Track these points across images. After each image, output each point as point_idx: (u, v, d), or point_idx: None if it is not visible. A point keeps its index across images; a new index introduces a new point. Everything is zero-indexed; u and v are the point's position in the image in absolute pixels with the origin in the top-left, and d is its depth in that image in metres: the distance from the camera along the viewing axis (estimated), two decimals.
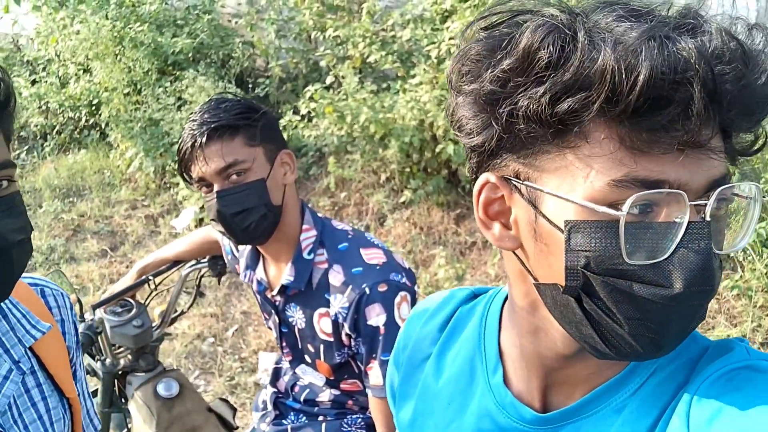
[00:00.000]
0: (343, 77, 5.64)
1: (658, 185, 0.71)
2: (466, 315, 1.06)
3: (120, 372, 2.54)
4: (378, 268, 1.82)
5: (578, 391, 0.88)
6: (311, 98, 5.51)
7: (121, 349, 2.47)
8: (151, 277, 2.38)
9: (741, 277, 3.94)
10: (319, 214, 1.95)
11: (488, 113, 0.78)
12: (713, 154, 0.72)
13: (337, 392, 2.00)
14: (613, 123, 0.71)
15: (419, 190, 5.32)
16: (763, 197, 0.86)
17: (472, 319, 1.04)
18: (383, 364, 1.79)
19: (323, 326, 1.87)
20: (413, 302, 1.84)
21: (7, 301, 1.19)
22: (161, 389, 2.48)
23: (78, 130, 7.13)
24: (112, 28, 6.42)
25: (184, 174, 1.82)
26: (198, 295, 2.61)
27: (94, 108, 6.75)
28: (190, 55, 6.57)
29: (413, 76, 5.33)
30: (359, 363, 1.88)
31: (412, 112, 5.07)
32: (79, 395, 1.34)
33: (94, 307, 2.35)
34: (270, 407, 2.11)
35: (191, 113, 1.84)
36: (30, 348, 1.21)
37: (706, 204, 0.72)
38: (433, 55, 5.14)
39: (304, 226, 1.88)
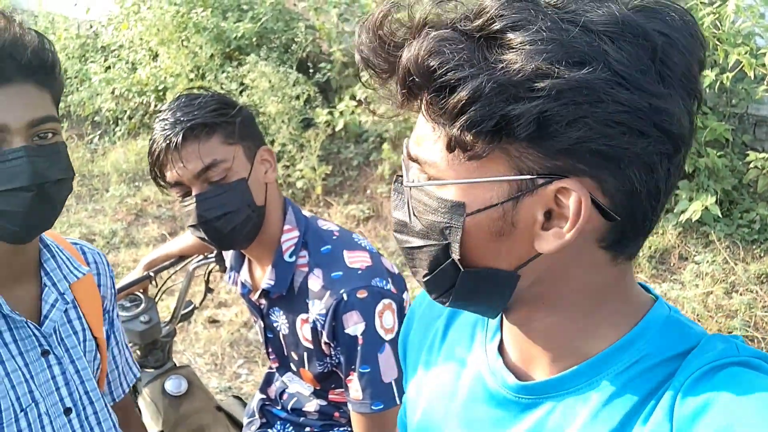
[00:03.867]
0: None
1: None
2: None
3: None
4: (360, 272, 1.68)
5: (561, 363, 0.88)
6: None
7: (129, 344, 2.42)
8: (152, 274, 2.32)
9: None
10: (305, 213, 1.83)
11: None
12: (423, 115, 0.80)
13: (324, 403, 1.88)
14: None
15: None
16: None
17: None
18: (362, 377, 1.66)
19: (305, 333, 1.75)
20: (400, 310, 1.70)
21: (55, 244, 1.45)
22: (169, 386, 2.43)
23: (148, 115, 7.22)
24: (176, 13, 6.45)
25: (158, 178, 1.72)
26: (207, 290, 2.55)
27: (160, 93, 6.81)
28: (254, 39, 6.54)
29: None
30: (342, 373, 1.76)
31: None
32: (117, 343, 1.61)
33: None
34: (257, 414, 2.01)
35: (160, 112, 1.72)
36: (70, 287, 1.44)
37: None
38: None
39: (286, 227, 1.76)
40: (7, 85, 1.19)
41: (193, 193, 1.65)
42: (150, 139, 1.69)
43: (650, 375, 0.82)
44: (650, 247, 4.54)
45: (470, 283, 0.83)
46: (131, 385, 1.67)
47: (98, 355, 1.49)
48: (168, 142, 1.63)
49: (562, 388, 0.87)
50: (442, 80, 0.73)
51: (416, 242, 0.83)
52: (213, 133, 1.65)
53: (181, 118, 1.64)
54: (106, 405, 1.49)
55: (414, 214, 0.83)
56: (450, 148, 0.77)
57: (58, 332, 1.40)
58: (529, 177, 0.74)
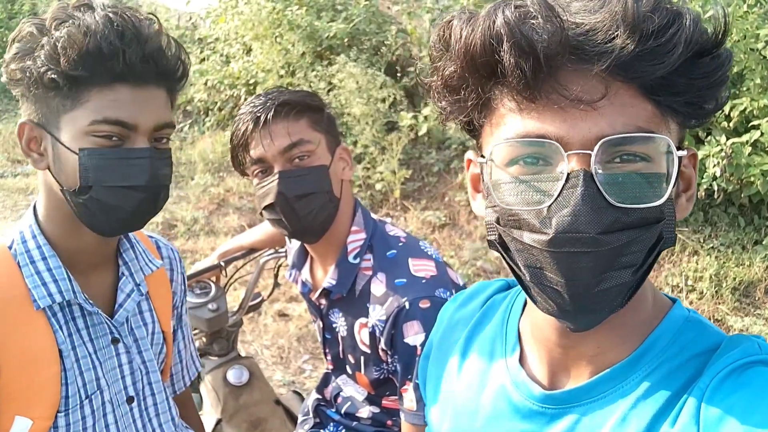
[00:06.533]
0: None
1: (540, 139, 0.76)
2: (498, 303, 1.10)
3: None
4: (424, 281, 1.66)
5: (585, 373, 0.88)
6: None
7: (196, 331, 2.47)
8: (222, 264, 2.36)
9: None
10: (374, 216, 1.82)
11: (446, 99, 0.87)
12: (602, 110, 0.74)
13: (377, 410, 1.87)
14: (505, 91, 0.79)
15: None
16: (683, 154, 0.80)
17: (502, 306, 1.08)
18: (418, 389, 1.64)
19: (363, 337, 1.75)
20: None
21: (133, 236, 1.46)
22: (231, 376, 2.46)
23: (237, 108, 7.39)
24: (272, 10, 6.57)
25: (238, 157, 1.74)
26: (275, 284, 2.57)
27: (251, 87, 6.96)
28: (345, 40, 6.61)
29: None
30: (397, 382, 1.74)
31: None
32: (184, 337, 1.63)
33: None
34: (311, 414, 2.01)
35: (247, 100, 1.76)
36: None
37: (590, 155, 0.74)
38: None
39: (353, 228, 1.75)
40: (144, 87, 1.23)
41: (276, 170, 1.66)
42: (236, 119, 1.72)
43: (675, 376, 0.82)
44: (734, 279, 4.36)
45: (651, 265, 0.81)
46: (192, 378, 1.69)
47: (164, 348, 1.51)
48: (258, 116, 1.66)
49: (589, 396, 0.87)
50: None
51: (630, 234, 0.76)
52: (302, 116, 1.68)
53: (272, 98, 1.68)
54: (167, 397, 1.50)
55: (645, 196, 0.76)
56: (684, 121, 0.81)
57: (129, 322, 1.42)
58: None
